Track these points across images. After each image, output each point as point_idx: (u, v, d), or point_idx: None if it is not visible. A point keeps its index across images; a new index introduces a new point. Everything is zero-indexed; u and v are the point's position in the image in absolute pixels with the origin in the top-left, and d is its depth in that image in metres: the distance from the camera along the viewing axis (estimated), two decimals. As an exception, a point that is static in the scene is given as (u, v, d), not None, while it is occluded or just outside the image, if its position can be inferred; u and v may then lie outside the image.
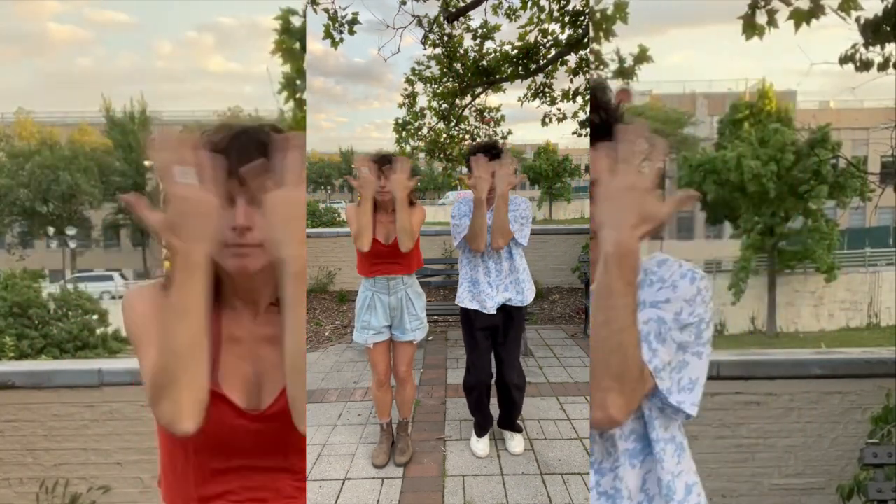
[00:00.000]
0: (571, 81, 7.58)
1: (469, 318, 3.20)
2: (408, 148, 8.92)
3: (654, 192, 0.87)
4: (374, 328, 3.05)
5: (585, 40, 6.59)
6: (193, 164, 0.84)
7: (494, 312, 3.12)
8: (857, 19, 3.18)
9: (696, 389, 1.02)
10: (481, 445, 3.32)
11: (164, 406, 0.85)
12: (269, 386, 1.01)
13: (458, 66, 7.72)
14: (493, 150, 2.97)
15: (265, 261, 0.96)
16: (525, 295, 3.18)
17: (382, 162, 2.93)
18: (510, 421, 3.37)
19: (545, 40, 7.23)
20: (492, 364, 3.27)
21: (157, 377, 0.86)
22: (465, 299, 3.20)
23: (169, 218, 0.85)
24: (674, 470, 1.07)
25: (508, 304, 3.14)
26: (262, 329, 1.04)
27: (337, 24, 5.96)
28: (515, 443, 3.34)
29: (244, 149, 0.96)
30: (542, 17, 6.98)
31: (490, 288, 3.13)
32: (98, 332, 15.16)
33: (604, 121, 1.04)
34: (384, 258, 3.02)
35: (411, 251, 2.99)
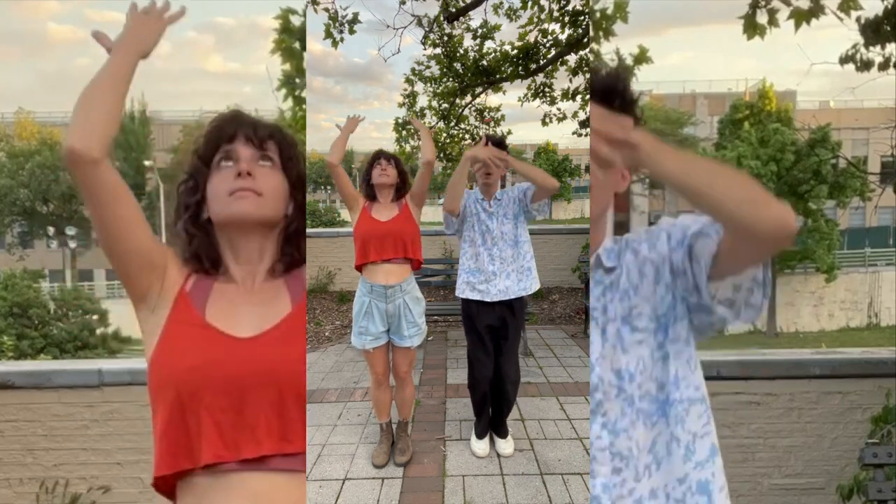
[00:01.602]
0: (571, 81, 7.59)
1: (471, 316, 3.18)
2: (408, 148, 8.92)
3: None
4: (371, 334, 3.03)
5: (585, 40, 6.59)
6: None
7: (497, 301, 3.08)
8: (858, 19, 3.18)
9: None
10: (481, 445, 3.31)
11: (71, 128, 0.93)
12: (267, 320, 1.03)
13: (458, 66, 7.72)
14: (498, 141, 3.06)
15: (264, 211, 1.06)
16: (529, 283, 3.14)
17: (381, 155, 3.09)
18: (500, 421, 3.36)
19: (545, 40, 7.23)
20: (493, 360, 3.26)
21: (77, 103, 0.95)
22: (465, 290, 3.16)
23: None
24: (697, 431, 1.06)
25: (511, 294, 3.09)
26: (255, 297, 1.07)
27: (337, 24, 5.96)
28: (505, 444, 3.33)
29: (254, 122, 1.13)
30: (542, 17, 6.98)
31: (494, 276, 3.08)
32: (98, 332, 15.18)
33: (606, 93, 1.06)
34: (384, 238, 2.97)
35: (411, 237, 3.00)
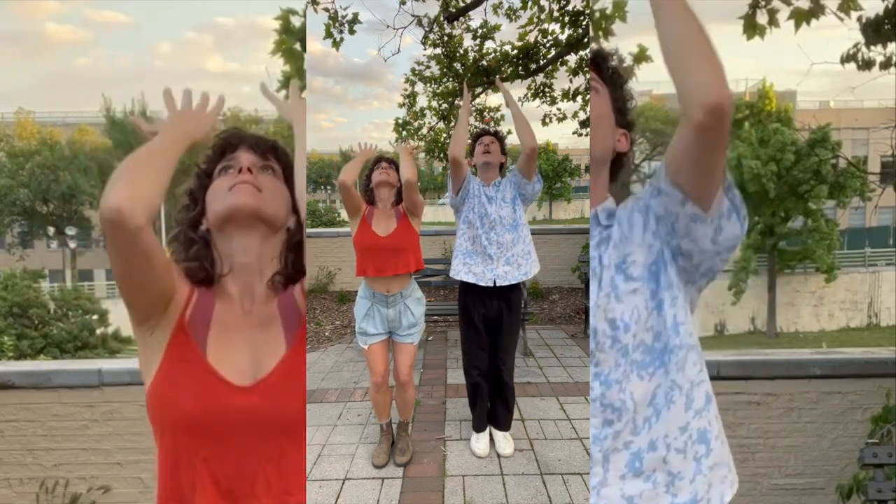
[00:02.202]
0: (571, 81, 7.59)
1: (466, 305, 3.17)
2: (408, 148, 8.92)
3: None
4: (370, 335, 3.06)
5: (585, 40, 6.59)
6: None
7: (495, 289, 3.04)
8: (859, 18, 3.18)
9: None
10: (481, 445, 3.31)
11: (118, 188, 0.85)
12: (263, 364, 1.00)
13: (458, 66, 7.71)
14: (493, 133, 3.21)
15: (262, 207, 1.06)
16: (529, 266, 3.08)
17: (381, 159, 3.09)
18: (500, 413, 3.32)
19: (545, 40, 7.23)
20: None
21: (120, 169, 0.90)
22: (460, 272, 3.10)
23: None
24: (694, 378, 1.07)
25: (510, 279, 3.03)
26: (256, 316, 1.05)
27: (337, 24, 5.96)
28: (505, 444, 3.30)
29: (256, 136, 1.16)
30: (542, 17, 6.98)
31: (492, 260, 3.03)
32: (98, 332, 15.18)
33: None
34: (384, 252, 2.97)
35: (410, 249, 2.99)
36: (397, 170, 3.09)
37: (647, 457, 1.04)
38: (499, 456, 3.28)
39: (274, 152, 1.15)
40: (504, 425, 3.36)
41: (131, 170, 0.89)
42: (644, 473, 1.04)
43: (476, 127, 9.02)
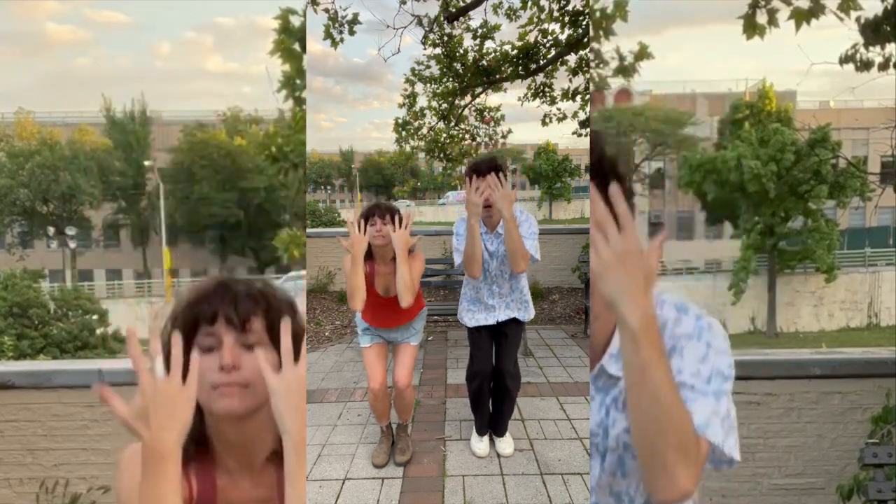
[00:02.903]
0: (571, 81, 7.59)
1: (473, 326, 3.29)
2: (408, 148, 8.92)
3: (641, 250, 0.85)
4: (369, 343, 3.16)
5: (585, 40, 6.59)
6: (160, 354, 0.90)
7: (494, 323, 3.20)
8: (858, 19, 3.18)
9: (734, 428, 0.96)
10: (481, 445, 3.31)
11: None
12: None
13: (458, 66, 7.72)
14: (489, 167, 2.79)
15: (253, 403, 0.97)
16: (528, 312, 3.24)
17: (374, 212, 2.87)
18: (500, 420, 3.35)
19: (545, 40, 7.23)
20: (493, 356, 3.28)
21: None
22: (465, 317, 3.27)
23: (136, 409, 0.88)
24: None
25: (512, 315, 3.20)
26: (256, 490, 1.02)
27: (337, 24, 5.97)
28: (505, 443, 3.34)
29: (234, 296, 1.00)
30: (542, 16, 6.98)
31: (494, 309, 3.19)
32: (98, 332, 15.17)
33: (604, 171, 0.98)
34: (384, 310, 3.05)
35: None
36: (392, 219, 2.85)
37: None
38: (499, 456, 3.28)
39: (256, 310, 1.00)
40: (502, 431, 3.38)
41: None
42: None
43: (476, 127, 9.02)
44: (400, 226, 2.79)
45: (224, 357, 0.97)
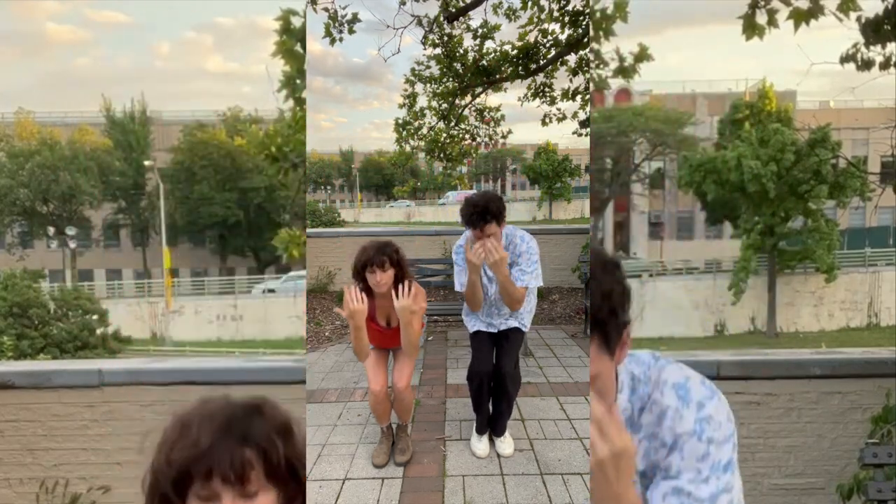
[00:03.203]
0: (571, 81, 7.59)
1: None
2: (408, 148, 8.92)
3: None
4: (370, 347, 3.16)
5: (585, 40, 6.59)
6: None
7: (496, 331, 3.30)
8: (858, 18, 3.17)
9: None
10: (481, 445, 3.31)
11: None
12: None
13: (458, 66, 7.72)
14: (482, 215, 2.82)
15: None
16: (527, 320, 3.31)
17: (373, 261, 2.83)
18: (498, 420, 3.35)
19: (545, 40, 7.23)
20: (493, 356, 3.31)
21: None
22: (467, 323, 3.35)
23: None
24: None
25: (515, 324, 3.27)
26: None
27: (337, 24, 5.97)
28: (504, 444, 3.35)
29: (231, 452, 0.92)
30: (542, 16, 6.98)
31: (495, 321, 3.26)
32: (98, 332, 15.17)
33: (603, 319, 0.96)
34: (386, 336, 3.11)
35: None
36: (391, 262, 2.86)
37: None
38: (499, 456, 3.28)
39: (253, 455, 0.94)
40: (501, 431, 3.39)
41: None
42: None
43: (476, 127, 9.02)
44: (400, 270, 2.85)
45: None
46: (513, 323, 3.25)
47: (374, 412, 3.27)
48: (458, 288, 3.17)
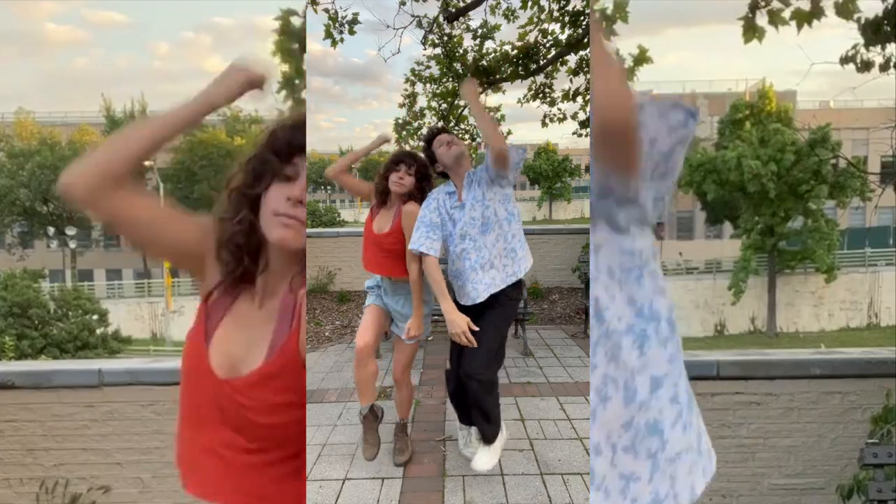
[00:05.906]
0: (571, 82, 7.58)
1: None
2: (407, 148, 8.92)
3: None
4: (370, 303, 3.07)
5: (585, 40, 6.59)
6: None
7: (479, 302, 2.66)
8: (858, 19, 3.18)
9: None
10: (473, 450, 3.04)
11: (71, 166, 0.97)
12: (249, 361, 1.03)
13: (457, 66, 7.71)
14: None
15: (302, 245, 1.03)
16: (517, 266, 2.71)
17: (403, 160, 2.92)
18: (478, 426, 2.83)
19: (545, 40, 7.23)
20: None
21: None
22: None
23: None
24: (635, 365, 0.93)
25: (497, 286, 2.66)
26: (262, 312, 1.08)
27: (337, 25, 5.97)
28: (478, 456, 2.76)
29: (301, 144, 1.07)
30: (542, 17, 6.98)
31: (473, 272, 2.66)
32: (98, 332, 15.17)
33: None
34: (376, 249, 2.98)
35: (398, 258, 2.90)
36: (417, 170, 2.90)
37: (595, 464, 0.93)
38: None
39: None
40: (486, 440, 2.81)
41: (101, 146, 0.98)
42: (596, 482, 0.93)
43: (476, 127, 9.01)
44: (420, 184, 2.88)
45: (295, 190, 1.01)
46: (499, 275, 2.63)
47: (356, 383, 3.02)
48: (410, 246, 2.67)
